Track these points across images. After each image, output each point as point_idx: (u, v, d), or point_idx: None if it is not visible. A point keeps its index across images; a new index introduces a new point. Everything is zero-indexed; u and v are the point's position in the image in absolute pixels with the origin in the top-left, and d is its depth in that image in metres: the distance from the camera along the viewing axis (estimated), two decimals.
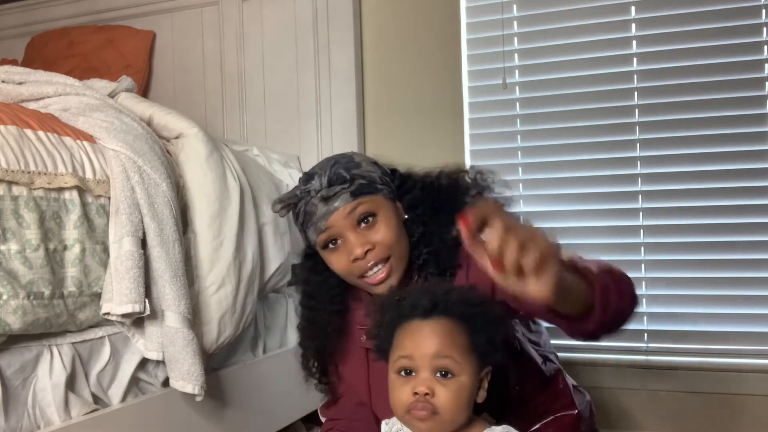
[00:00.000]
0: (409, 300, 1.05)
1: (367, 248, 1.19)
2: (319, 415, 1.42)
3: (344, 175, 1.20)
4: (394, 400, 1.01)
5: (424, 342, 0.99)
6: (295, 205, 1.24)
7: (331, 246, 1.23)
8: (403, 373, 1.00)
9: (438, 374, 0.98)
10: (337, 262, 1.23)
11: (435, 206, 1.25)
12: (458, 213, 1.19)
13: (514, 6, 2.14)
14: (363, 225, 1.20)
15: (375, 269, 1.20)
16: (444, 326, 1.00)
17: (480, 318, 1.02)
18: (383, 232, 1.20)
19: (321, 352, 1.33)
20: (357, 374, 1.32)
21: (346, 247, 1.20)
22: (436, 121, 2.20)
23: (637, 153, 2.02)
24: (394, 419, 1.10)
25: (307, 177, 1.23)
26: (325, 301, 1.30)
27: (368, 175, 1.22)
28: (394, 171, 1.31)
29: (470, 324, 1.01)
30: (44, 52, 2.51)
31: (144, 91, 2.47)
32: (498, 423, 1.04)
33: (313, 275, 1.32)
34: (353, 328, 1.31)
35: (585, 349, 1.98)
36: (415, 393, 0.97)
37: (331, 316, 1.30)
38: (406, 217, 1.26)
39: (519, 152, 2.15)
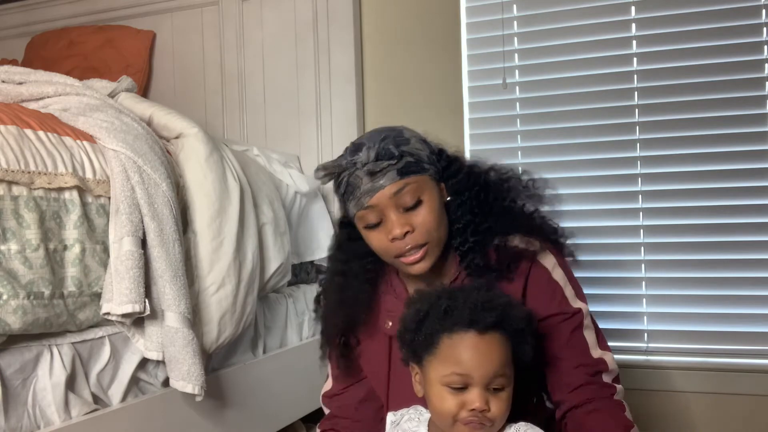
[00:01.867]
0: (464, 310, 1.02)
1: (406, 230, 1.16)
2: (321, 401, 1.41)
3: (393, 151, 1.16)
4: (442, 410, 1.01)
5: (483, 360, 0.99)
6: (338, 175, 1.20)
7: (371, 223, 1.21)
8: (453, 387, 1.00)
9: (492, 388, 0.99)
10: (377, 240, 1.19)
11: (481, 198, 1.23)
12: (507, 214, 1.22)
13: (514, 6, 2.14)
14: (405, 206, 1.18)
15: (412, 251, 1.17)
16: (500, 342, 1.01)
17: (527, 331, 1.04)
18: (424, 215, 1.17)
19: (348, 321, 1.28)
20: (377, 361, 1.30)
21: (386, 226, 1.17)
22: (436, 121, 2.19)
23: (637, 153, 2.02)
24: (402, 411, 1.10)
25: (355, 148, 1.19)
26: (358, 268, 1.27)
27: (416, 153, 1.19)
28: (441, 151, 1.27)
29: (517, 338, 1.03)
30: (44, 52, 2.51)
31: (144, 91, 2.48)
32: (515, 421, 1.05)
33: (348, 242, 1.29)
34: (381, 312, 1.28)
35: None
36: (472, 409, 0.98)
37: (363, 285, 1.27)
38: (448, 199, 1.23)
39: (519, 152, 2.15)
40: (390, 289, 1.28)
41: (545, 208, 1.27)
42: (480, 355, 0.99)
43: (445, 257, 1.23)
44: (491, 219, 1.21)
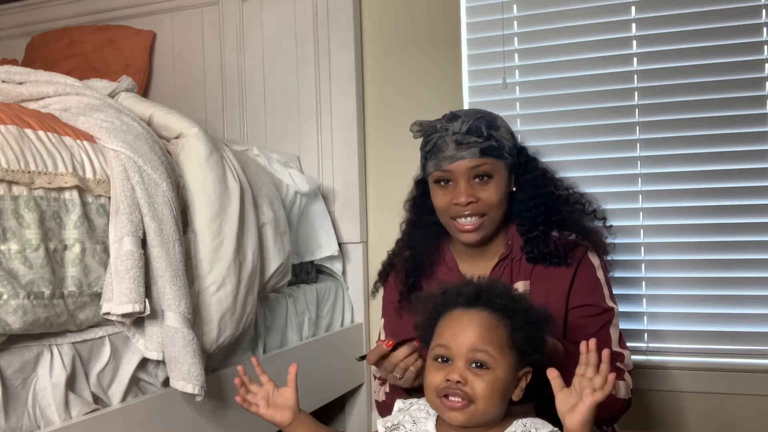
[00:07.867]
0: (454, 289, 1.07)
1: (470, 200, 1.33)
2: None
3: (483, 131, 1.32)
4: (428, 383, 1.02)
5: (461, 333, 1.00)
6: (429, 135, 1.37)
7: (442, 183, 1.37)
8: (439, 360, 1.02)
9: (473, 365, 0.99)
10: (441, 199, 1.37)
11: (554, 196, 1.40)
12: (571, 214, 1.39)
13: (514, 6, 2.15)
14: (477, 180, 1.34)
15: (468, 218, 1.34)
16: (484, 318, 1.01)
17: (521, 315, 1.03)
18: (490, 193, 1.34)
19: (414, 264, 1.44)
20: None
21: (455, 191, 1.34)
22: None
23: (638, 153, 2.03)
24: (412, 400, 1.11)
25: (452, 116, 1.36)
26: (427, 221, 1.45)
27: (501, 141, 1.36)
28: (522, 148, 1.44)
29: (511, 319, 1.02)
30: (44, 52, 2.51)
31: (144, 90, 2.48)
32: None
33: (421, 198, 1.48)
34: (433, 281, 1.39)
35: None
36: (448, 380, 0.98)
37: (429, 236, 1.45)
38: (513, 189, 1.39)
39: None
40: (443, 263, 1.44)
41: (598, 222, 1.45)
42: (459, 327, 1.01)
43: (494, 238, 1.39)
44: (558, 214, 1.38)
